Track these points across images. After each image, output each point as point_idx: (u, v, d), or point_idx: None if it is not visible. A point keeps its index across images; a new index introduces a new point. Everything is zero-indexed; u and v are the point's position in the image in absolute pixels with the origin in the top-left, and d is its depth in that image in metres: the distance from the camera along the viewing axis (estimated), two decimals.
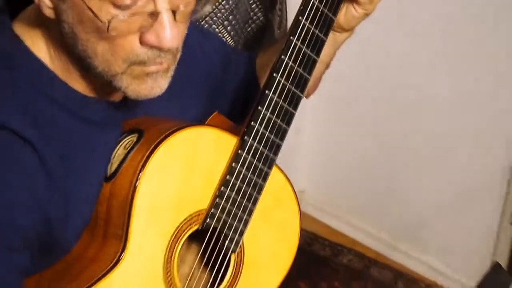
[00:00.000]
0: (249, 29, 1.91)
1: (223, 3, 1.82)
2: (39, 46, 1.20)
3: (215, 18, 1.82)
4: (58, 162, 1.17)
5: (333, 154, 3.18)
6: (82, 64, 1.17)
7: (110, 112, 1.27)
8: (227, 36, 1.85)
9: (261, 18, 1.92)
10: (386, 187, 3.05)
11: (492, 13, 2.60)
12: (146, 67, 1.14)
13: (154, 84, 1.17)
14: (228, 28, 1.85)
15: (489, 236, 2.82)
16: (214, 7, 1.81)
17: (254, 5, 1.89)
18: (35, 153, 1.13)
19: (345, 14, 1.34)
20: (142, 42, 1.11)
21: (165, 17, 1.09)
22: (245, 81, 1.51)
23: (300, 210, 1.43)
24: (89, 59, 1.14)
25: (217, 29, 1.84)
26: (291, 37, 1.26)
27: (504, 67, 2.66)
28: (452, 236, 2.92)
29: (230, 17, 1.85)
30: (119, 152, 1.24)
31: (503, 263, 2.76)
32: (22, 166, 1.13)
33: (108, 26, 1.07)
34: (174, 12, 1.10)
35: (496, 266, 1.38)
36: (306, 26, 1.27)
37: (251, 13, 1.89)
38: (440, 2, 2.72)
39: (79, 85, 1.22)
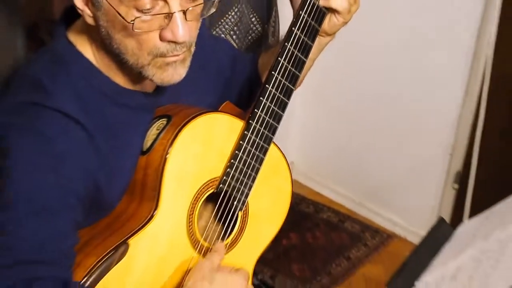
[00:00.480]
0: (249, 37, 1.90)
1: (229, 17, 1.82)
2: (86, 49, 1.20)
3: (223, 29, 1.82)
4: (103, 139, 1.17)
5: (316, 134, 3.18)
6: (118, 59, 1.17)
7: (143, 100, 1.26)
8: (233, 42, 1.85)
9: (259, 29, 1.91)
10: (358, 159, 3.05)
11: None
12: (166, 58, 1.14)
13: (174, 72, 1.17)
14: (234, 36, 1.84)
15: (437, 196, 2.83)
16: (222, 20, 1.81)
17: (254, 19, 1.88)
18: (85, 132, 1.13)
19: (328, 22, 1.32)
20: (161, 38, 1.12)
21: (178, 17, 1.10)
22: (249, 77, 1.49)
23: (291, 177, 1.41)
24: (122, 54, 1.15)
25: (225, 37, 1.84)
26: (285, 43, 1.26)
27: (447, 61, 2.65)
28: (408, 196, 2.92)
29: (235, 28, 1.84)
30: (152, 132, 1.24)
31: (447, 217, 2.77)
32: (74, 143, 1.13)
33: (133, 25, 1.07)
34: (185, 13, 1.10)
35: (440, 220, 1.37)
36: (298, 34, 1.27)
37: (251, 25, 1.88)
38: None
39: (119, 78, 1.22)
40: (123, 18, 1.08)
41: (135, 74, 1.20)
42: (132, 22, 1.08)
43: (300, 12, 1.26)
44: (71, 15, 1.22)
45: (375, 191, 3.03)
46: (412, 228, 2.90)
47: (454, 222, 1.39)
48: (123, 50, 1.15)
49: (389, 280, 1.24)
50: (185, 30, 1.11)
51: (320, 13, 1.29)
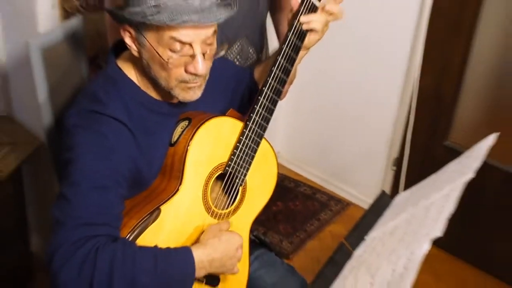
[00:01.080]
0: (248, 63, 1.89)
1: (233, 49, 1.81)
2: (131, 72, 1.21)
3: (229, 57, 1.81)
4: (143, 137, 1.18)
5: (295, 131, 3.16)
6: (154, 81, 1.18)
7: (171, 108, 1.26)
8: None
9: (255, 57, 1.90)
10: (325, 148, 3.04)
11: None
12: (188, 84, 1.17)
13: (193, 94, 1.19)
14: (236, 62, 1.83)
15: (381, 175, 2.83)
16: (229, 51, 1.80)
17: (251, 50, 1.87)
18: (129, 132, 1.15)
19: (307, 40, 1.33)
20: (186, 70, 1.14)
21: (199, 57, 1.12)
22: (249, 85, 1.49)
23: (277, 163, 1.42)
24: (157, 79, 1.17)
25: None
26: (278, 57, 1.28)
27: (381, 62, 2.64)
28: (361, 175, 2.92)
29: (238, 56, 1.83)
30: (178, 130, 1.24)
31: (388, 190, 2.77)
32: (123, 139, 1.14)
33: (168, 62, 1.11)
34: (204, 54, 1.13)
35: (382, 192, 1.36)
36: (287, 51, 1.29)
37: (249, 54, 1.88)
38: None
39: (154, 94, 1.23)
40: (160, 56, 1.11)
41: (165, 92, 1.21)
42: (167, 60, 1.11)
43: (288, 33, 1.28)
44: (120, 46, 1.23)
45: (337, 171, 3.02)
46: (364, 198, 2.90)
47: (393, 194, 1.40)
48: (158, 76, 1.17)
49: (346, 235, 1.24)
50: (203, 66, 1.14)
51: (302, 34, 1.30)
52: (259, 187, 1.37)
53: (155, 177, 1.24)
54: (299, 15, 1.28)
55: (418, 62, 2.44)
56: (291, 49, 1.30)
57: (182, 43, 1.10)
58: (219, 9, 1.12)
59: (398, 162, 2.71)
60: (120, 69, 1.21)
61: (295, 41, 1.30)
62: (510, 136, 2.26)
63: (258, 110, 1.28)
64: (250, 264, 1.41)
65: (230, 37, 1.80)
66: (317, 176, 3.11)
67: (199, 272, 1.11)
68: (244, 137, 1.27)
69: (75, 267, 0.99)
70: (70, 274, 0.99)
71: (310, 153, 3.12)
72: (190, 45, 1.11)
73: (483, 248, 2.51)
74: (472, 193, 2.34)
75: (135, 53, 1.16)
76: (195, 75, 1.15)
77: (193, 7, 1.08)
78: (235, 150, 1.27)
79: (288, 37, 1.28)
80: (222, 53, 1.21)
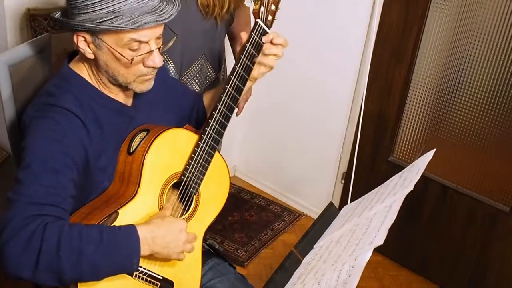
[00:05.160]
0: (207, 81, 1.88)
1: (193, 68, 1.79)
2: (84, 73, 1.20)
3: (189, 75, 1.79)
4: (93, 127, 1.16)
5: (251, 147, 3.15)
6: (108, 79, 1.18)
7: (120, 107, 1.25)
8: (196, 86, 1.82)
9: (213, 76, 1.89)
10: (279, 163, 3.03)
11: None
12: (146, 77, 1.19)
13: (149, 84, 1.21)
14: (196, 80, 1.82)
15: (330, 188, 2.83)
16: (188, 70, 1.78)
17: (210, 69, 1.86)
18: (80, 120, 1.13)
19: (257, 71, 1.35)
20: (144, 65, 1.15)
21: (156, 52, 1.15)
22: (196, 105, 1.51)
23: (229, 175, 1.39)
24: (115, 76, 1.17)
25: (190, 82, 1.81)
26: (226, 85, 1.28)
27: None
28: (312, 187, 2.92)
29: (197, 75, 1.81)
30: (136, 140, 1.22)
31: (336, 202, 2.78)
32: (74, 126, 1.12)
33: (132, 61, 1.13)
34: (158, 49, 1.15)
35: (330, 204, 1.36)
36: (235, 81, 1.29)
37: (208, 73, 1.86)
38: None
39: (105, 90, 1.22)
40: (123, 56, 1.12)
41: (117, 90, 1.22)
42: (131, 60, 1.13)
43: (235, 66, 1.29)
44: (74, 54, 1.23)
45: (290, 184, 3.02)
46: (315, 209, 2.90)
47: (341, 206, 1.39)
48: (116, 73, 1.16)
49: (296, 244, 1.23)
50: (159, 59, 1.16)
51: (249, 68, 1.31)
52: (212, 197, 1.34)
53: (101, 171, 1.19)
54: (245, 50, 1.28)
55: (364, 86, 2.47)
56: (238, 78, 1.30)
57: (141, 42, 1.12)
58: (166, 6, 1.15)
59: (346, 176, 2.72)
60: (72, 69, 1.20)
61: (245, 68, 1.30)
62: (446, 152, 2.32)
63: (212, 124, 1.27)
64: (204, 274, 1.38)
65: (190, 56, 1.77)
66: (272, 188, 3.10)
67: (144, 249, 1.07)
68: (199, 148, 1.25)
69: (22, 241, 0.96)
70: (17, 247, 0.96)
71: (266, 167, 3.10)
72: (147, 42, 1.13)
73: (423, 255, 2.54)
74: (413, 203, 2.40)
75: (90, 56, 1.15)
76: (153, 68, 1.17)
77: (147, 7, 1.10)
78: (190, 161, 1.24)
79: (235, 69, 1.29)
80: (170, 44, 1.22)
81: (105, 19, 1.07)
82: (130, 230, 1.06)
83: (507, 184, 2.20)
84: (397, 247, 2.58)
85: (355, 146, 2.56)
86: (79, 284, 1.04)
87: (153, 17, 1.09)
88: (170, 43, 1.21)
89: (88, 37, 1.12)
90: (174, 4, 1.17)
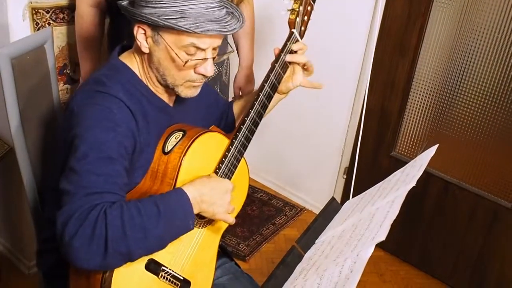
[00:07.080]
0: (211, 76, 1.89)
1: (210, 81, 1.82)
2: (134, 66, 1.20)
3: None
4: (141, 119, 1.17)
5: (254, 141, 3.14)
6: (158, 77, 1.20)
7: (165, 105, 1.26)
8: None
9: (216, 70, 1.89)
10: (281, 158, 3.04)
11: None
12: (194, 83, 1.19)
13: (195, 91, 1.22)
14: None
15: (332, 183, 2.83)
16: (208, 79, 1.81)
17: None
18: (129, 110, 1.14)
19: (285, 85, 1.41)
20: (195, 71, 1.16)
21: (210, 61, 1.16)
22: (226, 111, 1.54)
23: (249, 180, 1.43)
24: (165, 76, 1.18)
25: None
26: (259, 93, 1.31)
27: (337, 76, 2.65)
28: (314, 182, 2.92)
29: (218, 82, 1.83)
30: (172, 140, 1.22)
31: (338, 197, 2.78)
32: (126, 116, 1.12)
33: (185, 63, 1.13)
34: (213, 59, 1.16)
35: (332, 199, 1.36)
36: (267, 89, 1.33)
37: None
38: None
39: (153, 87, 1.22)
40: (178, 57, 1.13)
41: (164, 89, 1.23)
42: (184, 62, 1.13)
43: (269, 74, 1.33)
44: (123, 49, 1.25)
45: (292, 179, 3.02)
46: (316, 204, 2.90)
47: (343, 201, 1.39)
48: (166, 73, 1.17)
49: (298, 239, 1.23)
50: (212, 69, 1.17)
51: (280, 78, 1.37)
52: (234, 198, 1.34)
53: (139, 167, 1.19)
54: (280, 59, 1.33)
55: (367, 80, 2.46)
56: (270, 85, 1.34)
57: (199, 48, 1.12)
58: (232, 19, 1.15)
59: (348, 171, 2.71)
60: (122, 61, 1.20)
61: (277, 76, 1.35)
62: (448, 148, 2.31)
63: (244, 131, 1.29)
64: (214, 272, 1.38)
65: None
66: (273, 183, 3.10)
67: (195, 208, 1.10)
68: (229, 153, 1.26)
69: (87, 232, 0.97)
70: (83, 239, 0.96)
71: (267, 161, 3.11)
72: (204, 50, 1.13)
73: (424, 250, 2.54)
74: (414, 198, 2.40)
75: (145, 50, 1.16)
76: (203, 75, 1.18)
77: (213, 16, 1.10)
78: (220, 164, 1.24)
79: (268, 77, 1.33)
80: (225, 57, 1.22)
81: (170, 17, 1.08)
82: (180, 194, 1.09)
83: (509, 180, 2.20)
84: (399, 242, 2.58)
85: (357, 141, 2.55)
86: (112, 280, 1.05)
87: (217, 26, 1.10)
88: (225, 56, 1.21)
89: (148, 31, 1.12)
90: (239, 20, 1.17)
